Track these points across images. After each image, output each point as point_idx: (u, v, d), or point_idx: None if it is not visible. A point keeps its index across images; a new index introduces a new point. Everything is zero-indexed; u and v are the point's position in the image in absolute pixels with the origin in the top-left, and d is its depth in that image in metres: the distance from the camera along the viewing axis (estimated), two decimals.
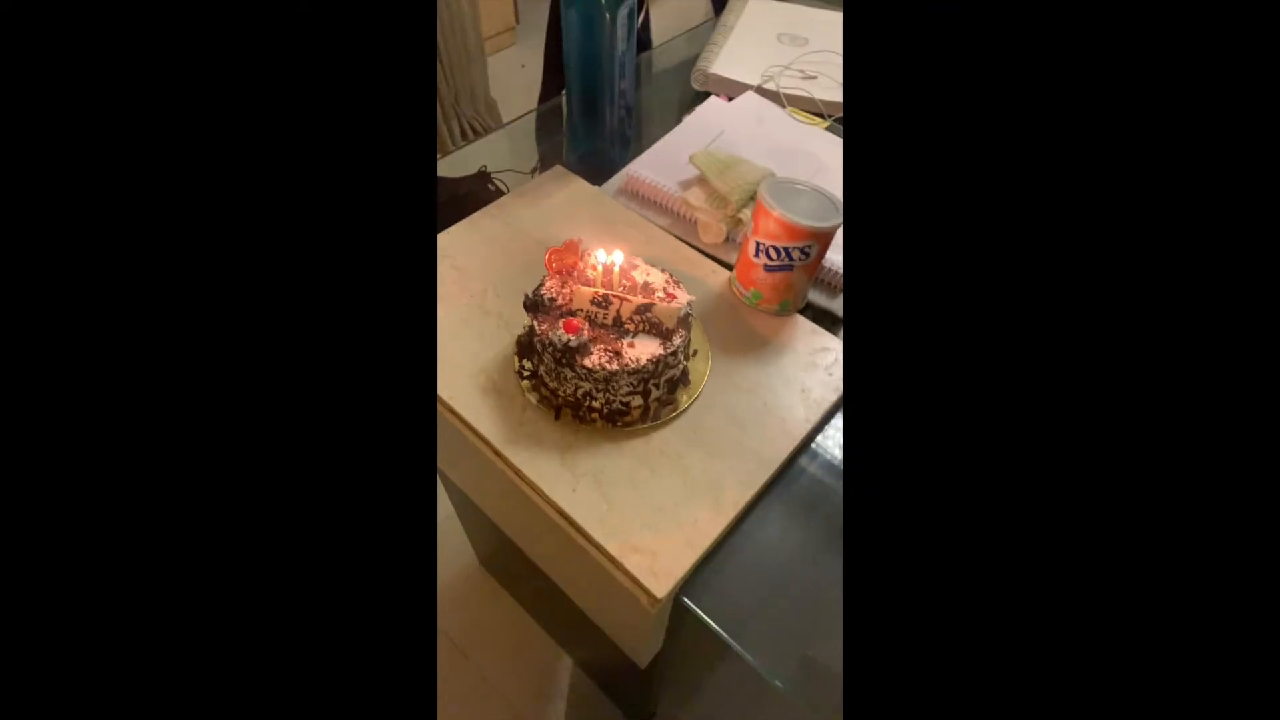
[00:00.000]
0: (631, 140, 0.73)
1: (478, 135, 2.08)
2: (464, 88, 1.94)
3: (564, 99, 0.82)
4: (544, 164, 0.74)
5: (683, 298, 0.49)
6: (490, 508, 0.61)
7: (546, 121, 0.87)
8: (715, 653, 1.00)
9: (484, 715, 1.04)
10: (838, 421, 0.53)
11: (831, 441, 0.53)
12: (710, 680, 1.06)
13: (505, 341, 0.55)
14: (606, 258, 0.49)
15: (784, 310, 0.57)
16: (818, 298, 0.61)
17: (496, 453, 0.48)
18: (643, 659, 0.55)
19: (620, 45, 0.62)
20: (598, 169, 0.71)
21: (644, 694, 0.83)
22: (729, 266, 0.62)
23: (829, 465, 0.51)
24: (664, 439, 0.49)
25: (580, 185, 0.68)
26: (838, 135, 0.77)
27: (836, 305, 0.60)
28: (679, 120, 0.80)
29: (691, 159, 0.65)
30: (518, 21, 2.44)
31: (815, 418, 0.51)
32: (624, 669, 0.79)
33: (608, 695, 1.02)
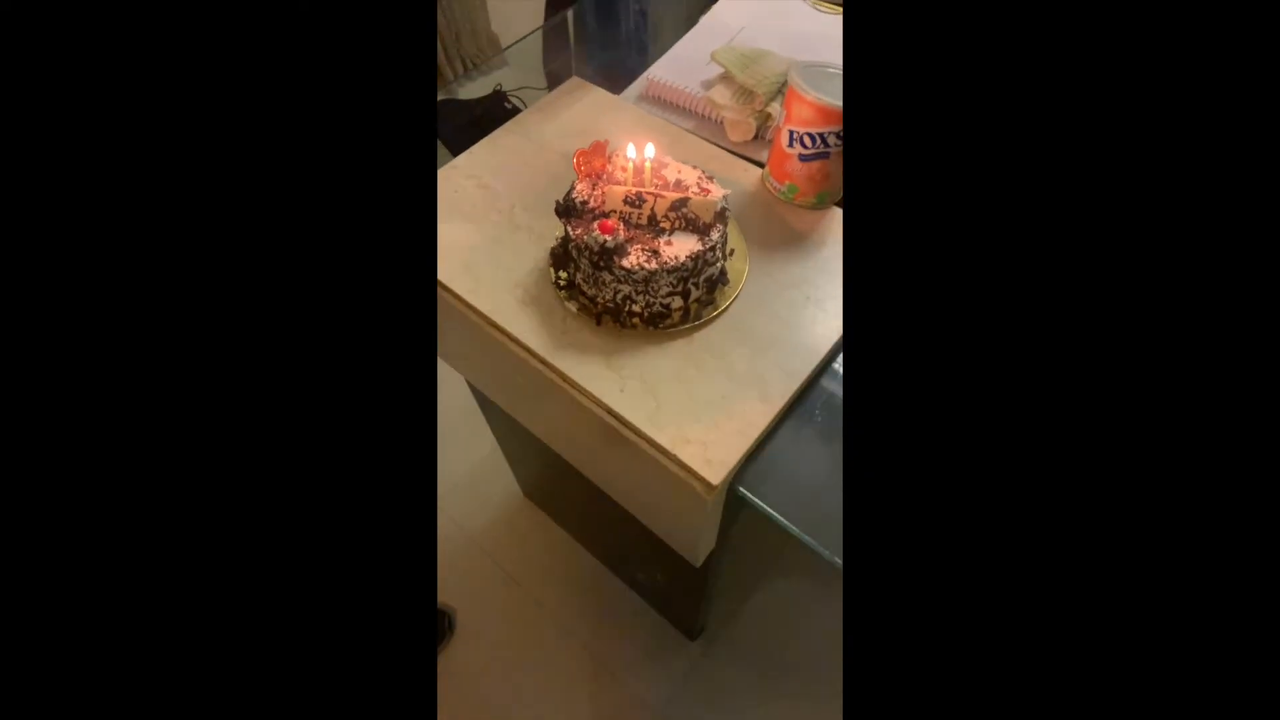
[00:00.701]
0: (648, 46, 0.70)
1: (482, 74, 2.03)
2: (465, 24, 1.88)
3: (569, 17, 0.78)
4: (554, 81, 0.72)
5: (718, 191, 0.48)
6: (539, 424, 0.62)
7: (553, 41, 0.84)
8: (768, 550, 1.02)
9: (541, 639, 1.08)
10: None
11: None
12: (755, 597, 1.09)
13: (538, 255, 0.54)
14: (636, 154, 0.48)
15: (821, 202, 0.56)
16: None
17: (543, 361, 0.49)
18: (698, 557, 0.56)
19: None
20: (615, 79, 0.69)
21: (695, 604, 0.86)
22: (760, 164, 0.60)
23: None
24: (706, 338, 0.49)
25: (599, 94, 0.66)
26: None
27: None
28: (690, 21, 0.77)
29: (714, 56, 0.63)
30: None
31: None
32: (676, 579, 0.81)
33: (660, 612, 1.06)
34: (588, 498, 0.83)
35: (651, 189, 0.47)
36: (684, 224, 0.48)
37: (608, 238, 0.45)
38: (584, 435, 0.53)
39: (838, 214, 0.56)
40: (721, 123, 0.62)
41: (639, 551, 0.86)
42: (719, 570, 0.74)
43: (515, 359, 0.50)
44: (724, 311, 0.50)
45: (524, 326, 0.50)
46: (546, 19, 1.09)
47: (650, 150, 0.48)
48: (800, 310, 0.50)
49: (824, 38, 0.69)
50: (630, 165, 0.48)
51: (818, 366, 0.48)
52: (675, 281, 0.47)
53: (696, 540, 0.52)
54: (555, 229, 0.55)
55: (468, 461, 1.24)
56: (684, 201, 0.47)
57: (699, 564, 0.58)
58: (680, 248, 0.47)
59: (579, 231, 0.47)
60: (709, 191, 0.48)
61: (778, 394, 0.46)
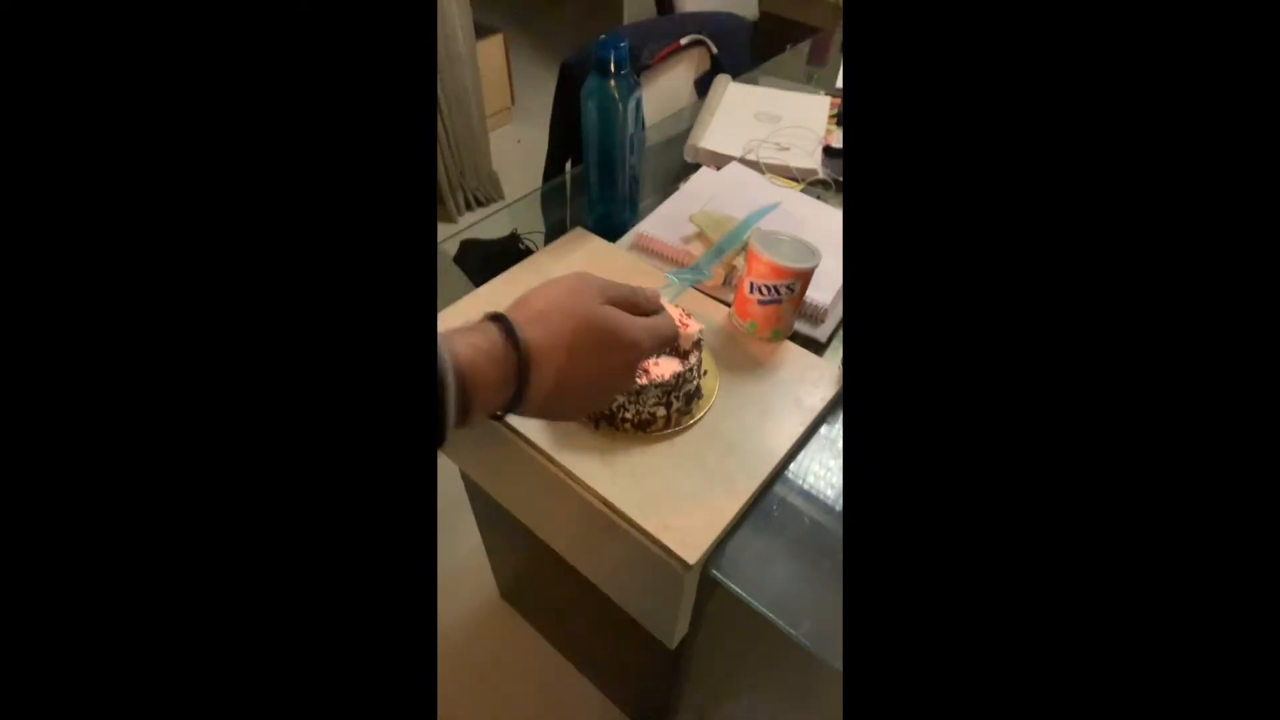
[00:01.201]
0: (638, 204, 0.86)
1: (481, 205, 2.25)
2: (469, 162, 2.11)
3: (567, 173, 0.96)
4: (553, 229, 0.87)
5: (695, 326, 0.61)
6: (532, 515, 0.71)
7: (553, 193, 1.01)
8: (739, 634, 1.06)
9: None
10: (828, 427, 0.65)
11: (824, 438, 0.64)
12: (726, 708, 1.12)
13: None
14: None
15: (776, 337, 0.69)
16: (803, 327, 0.73)
17: (548, 458, 0.59)
18: (674, 637, 0.63)
19: (630, 127, 0.76)
20: (610, 230, 0.84)
21: (667, 693, 0.90)
22: (727, 304, 0.74)
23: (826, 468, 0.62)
24: (685, 441, 0.60)
25: (599, 242, 0.81)
26: (810, 196, 0.92)
27: (819, 332, 0.72)
28: (673, 185, 0.94)
29: (691, 218, 0.79)
30: (513, 102, 2.66)
31: (808, 420, 0.62)
32: (648, 665, 0.86)
33: (627, 712, 1.08)
34: (568, 593, 0.89)
35: None
36: (669, 350, 0.60)
37: None
38: (576, 523, 0.62)
39: (790, 345, 0.70)
40: None
41: (614, 636, 0.91)
42: (696, 648, 0.80)
43: (522, 455, 0.60)
44: (699, 420, 0.62)
45: (533, 429, 0.60)
46: (547, 170, 1.29)
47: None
48: (760, 423, 0.62)
49: (777, 209, 0.87)
50: None
51: (775, 468, 0.59)
52: (661, 394, 0.59)
53: (674, 619, 0.60)
54: None
55: (448, 559, 1.28)
56: None
57: (674, 645, 0.65)
58: (665, 368, 0.59)
59: None
60: (688, 326, 0.61)
61: (743, 489, 0.57)
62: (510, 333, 0.37)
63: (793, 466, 0.61)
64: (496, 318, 0.39)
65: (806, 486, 0.60)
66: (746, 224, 0.79)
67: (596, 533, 0.59)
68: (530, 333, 0.37)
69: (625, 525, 0.55)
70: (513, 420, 0.61)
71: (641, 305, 0.41)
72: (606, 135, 0.76)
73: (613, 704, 1.09)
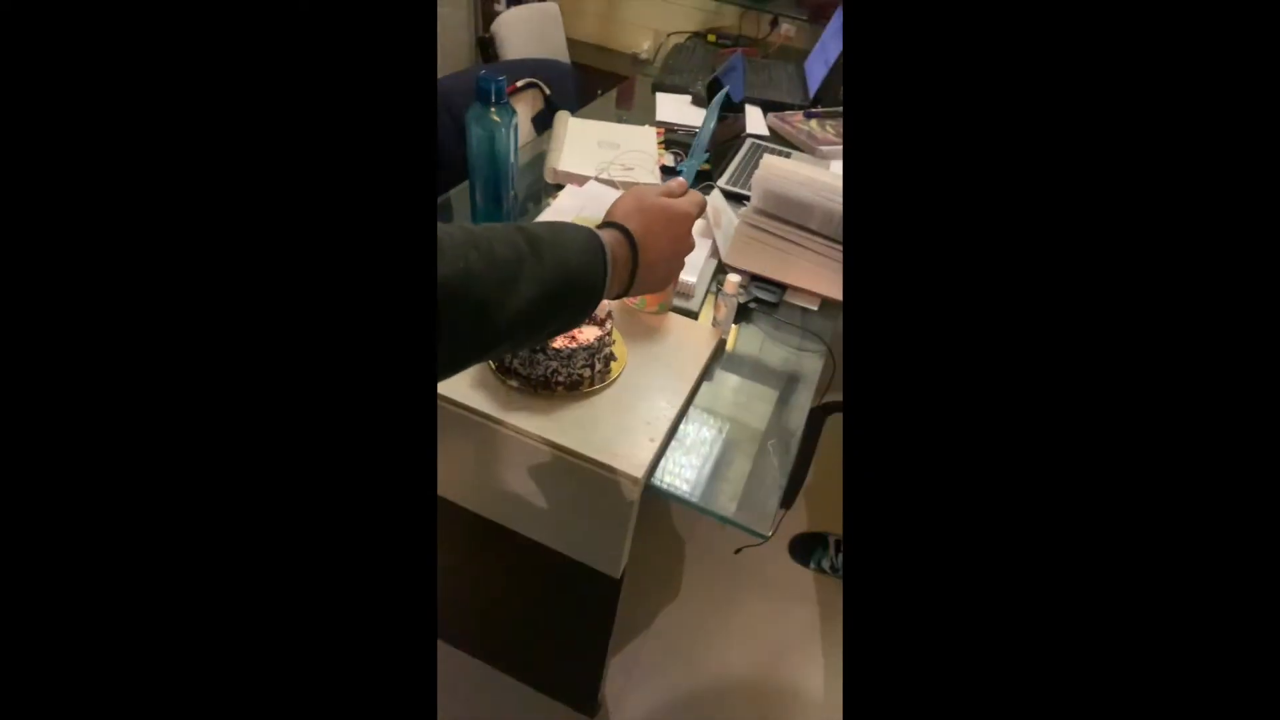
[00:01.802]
0: (520, 219, 0.98)
1: None
2: None
3: (452, 198, 1.05)
4: None
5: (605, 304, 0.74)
6: (471, 492, 0.78)
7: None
8: (668, 553, 1.13)
9: None
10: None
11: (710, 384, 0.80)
12: (648, 676, 1.23)
13: None
14: None
15: (662, 310, 0.85)
16: (679, 301, 0.90)
17: (498, 422, 0.68)
18: (618, 566, 0.74)
19: (511, 149, 0.88)
20: None
21: (598, 662, 0.99)
22: None
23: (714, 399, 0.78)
24: (610, 395, 0.73)
25: None
26: None
27: (692, 304, 0.90)
28: (541, 202, 1.08)
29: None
30: None
31: (701, 362, 0.79)
32: (583, 631, 0.95)
33: (552, 696, 1.14)
34: (494, 592, 0.96)
35: None
36: (589, 321, 0.73)
37: None
38: (526, 479, 0.71)
39: (671, 315, 0.86)
40: None
41: (548, 621, 0.98)
42: (621, 606, 0.90)
43: (473, 426, 0.69)
44: (618, 378, 0.75)
45: (480, 401, 0.69)
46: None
47: None
48: (663, 374, 0.77)
49: None
50: None
51: (682, 404, 0.74)
52: (586, 356, 0.71)
53: (622, 542, 0.71)
54: None
55: None
56: None
57: (619, 573, 0.76)
58: (588, 334, 0.71)
59: None
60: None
61: (663, 420, 0.71)
62: (624, 229, 0.50)
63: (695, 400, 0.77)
64: (607, 223, 0.50)
65: (702, 413, 0.76)
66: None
67: (549, 478, 0.69)
68: (631, 225, 0.50)
69: (579, 461, 0.66)
70: (460, 398, 0.69)
71: (676, 191, 0.55)
72: (494, 158, 0.87)
73: (547, 696, 1.14)
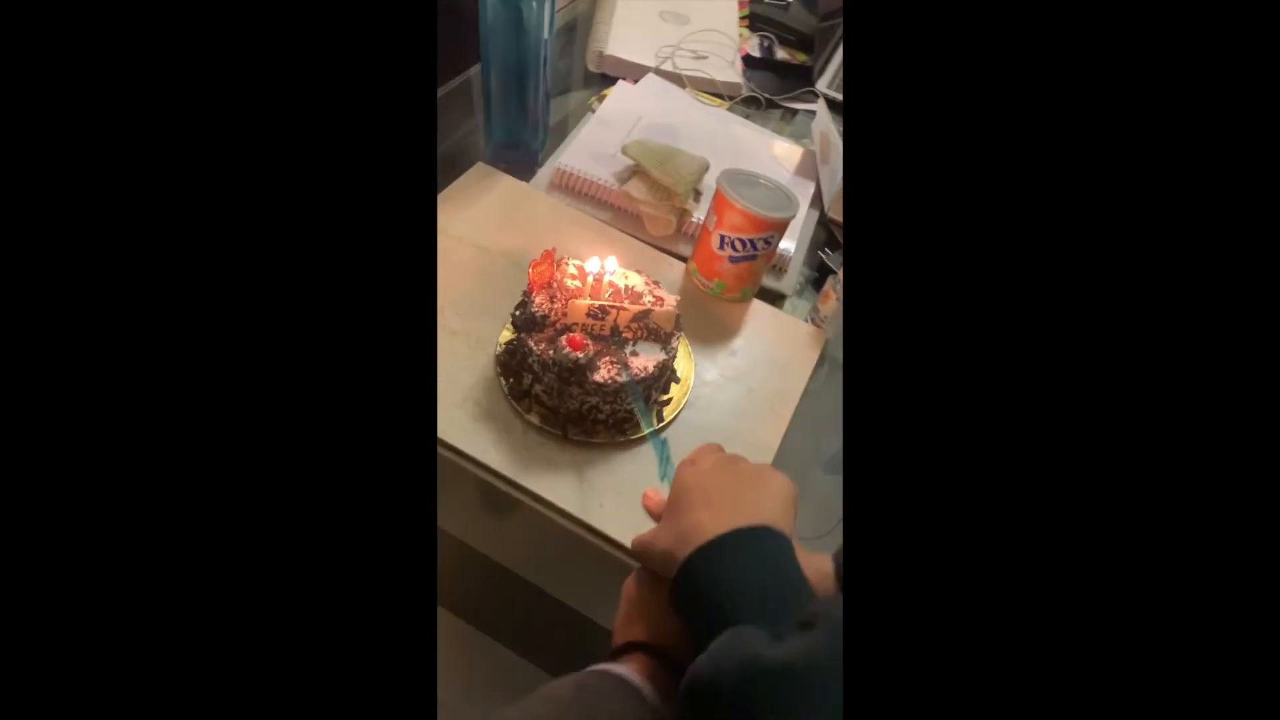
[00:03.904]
0: (548, 126, 0.70)
1: None
2: None
3: (475, 81, 0.76)
4: (443, 159, 0.68)
5: (671, 299, 0.50)
6: (493, 545, 0.59)
7: (451, 105, 0.78)
8: None
9: None
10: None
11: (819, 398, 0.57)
12: None
13: (482, 361, 0.52)
14: (599, 267, 0.48)
15: (745, 297, 0.60)
16: (767, 281, 0.64)
17: (511, 483, 0.46)
18: None
19: (546, 24, 0.59)
20: (515, 160, 0.68)
21: None
22: (679, 257, 0.63)
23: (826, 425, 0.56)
24: (670, 439, 0.50)
25: (510, 183, 0.65)
26: (739, 116, 0.81)
27: (784, 285, 0.64)
28: (579, 101, 0.79)
29: (625, 150, 0.65)
30: None
31: (799, 389, 0.55)
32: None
33: None
34: (520, 597, 0.79)
35: (613, 301, 0.48)
36: (645, 334, 0.49)
37: (579, 354, 0.45)
38: (553, 551, 0.51)
39: (760, 305, 0.61)
40: (639, 216, 0.64)
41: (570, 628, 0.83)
42: None
43: (476, 481, 0.47)
44: (681, 411, 0.52)
45: (484, 446, 0.47)
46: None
47: (613, 263, 0.48)
48: (746, 404, 0.54)
49: (718, 134, 0.75)
50: (589, 277, 0.48)
51: (779, 445, 0.52)
52: (643, 390, 0.48)
53: None
54: (495, 333, 0.53)
55: None
56: (646, 314, 0.48)
57: None
58: (647, 359, 0.48)
59: (543, 347, 0.46)
60: (662, 300, 0.50)
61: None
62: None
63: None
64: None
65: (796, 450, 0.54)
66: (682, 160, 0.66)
67: (582, 560, 0.49)
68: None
69: (620, 554, 0.45)
70: (456, 440, 0.47)
71: None
72: (520, 38, 0.58)
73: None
